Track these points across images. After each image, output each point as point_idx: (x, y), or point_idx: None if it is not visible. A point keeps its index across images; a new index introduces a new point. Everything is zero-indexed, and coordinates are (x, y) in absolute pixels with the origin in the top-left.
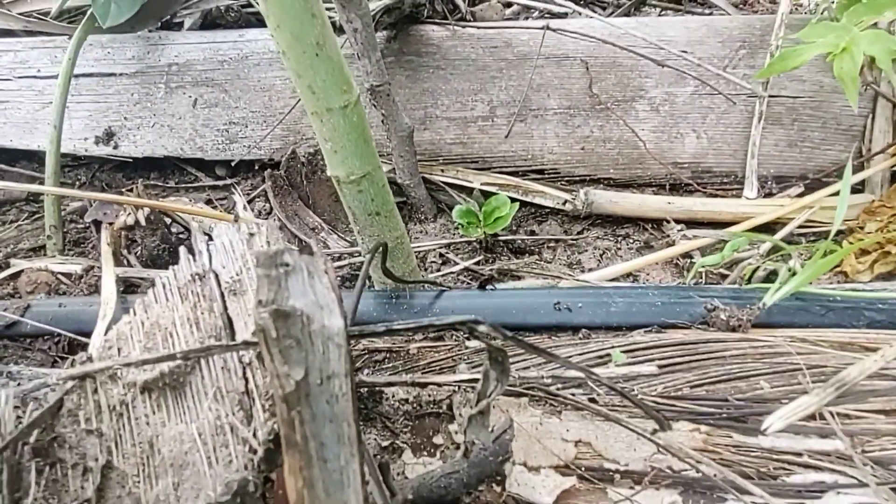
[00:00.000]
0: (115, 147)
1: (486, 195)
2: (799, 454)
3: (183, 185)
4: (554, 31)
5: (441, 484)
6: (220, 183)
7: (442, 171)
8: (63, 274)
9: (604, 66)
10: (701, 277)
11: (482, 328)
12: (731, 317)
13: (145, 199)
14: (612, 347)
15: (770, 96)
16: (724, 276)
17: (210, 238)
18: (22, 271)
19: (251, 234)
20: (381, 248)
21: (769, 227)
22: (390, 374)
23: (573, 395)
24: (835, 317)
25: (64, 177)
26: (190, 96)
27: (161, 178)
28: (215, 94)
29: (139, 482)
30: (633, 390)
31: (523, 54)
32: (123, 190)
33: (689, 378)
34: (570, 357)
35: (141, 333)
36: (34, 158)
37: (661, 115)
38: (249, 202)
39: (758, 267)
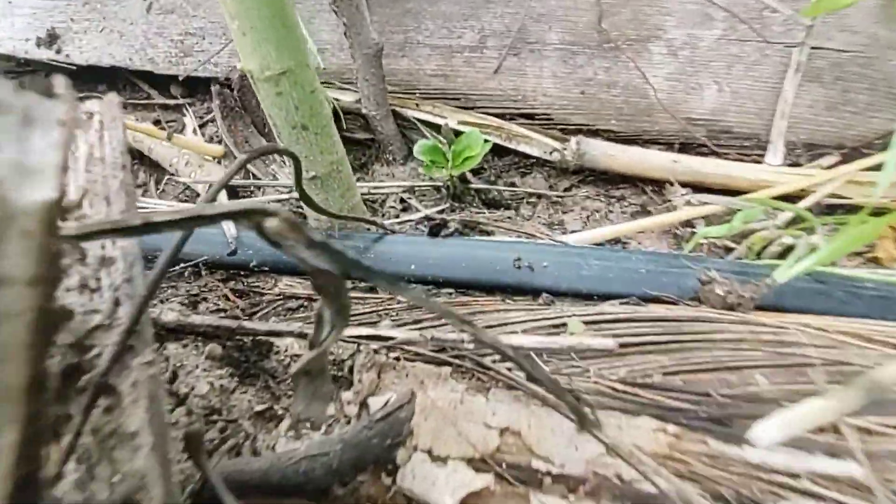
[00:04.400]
0: (58, 51)
1: (460, 135)
2: (796, 475)
3: (132, 102)
4: None
5: (301, 468)
6: (173, 102)
7: (417, 105)
8: None
9: None
10: (702, 251)
11: (272, 222)
12: (730, 292)
13: None
14: (573, 316)
15: (812, 47)
16: (730, 251)
17: None
18: None
19: (90, 115)
20: (262, 153)
21: (791, 200)
22: (297, 324)
23: (509, 369)
24: (863, 306)
25: None
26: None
27: (110, 92)
28: None
29: None
30: (588, 371)
31: None
32: None
33: (664, 363)
34: (523, 323)
35: None
36: None
37: (680, 61)
38: (202, 126)
39: (772, 240)
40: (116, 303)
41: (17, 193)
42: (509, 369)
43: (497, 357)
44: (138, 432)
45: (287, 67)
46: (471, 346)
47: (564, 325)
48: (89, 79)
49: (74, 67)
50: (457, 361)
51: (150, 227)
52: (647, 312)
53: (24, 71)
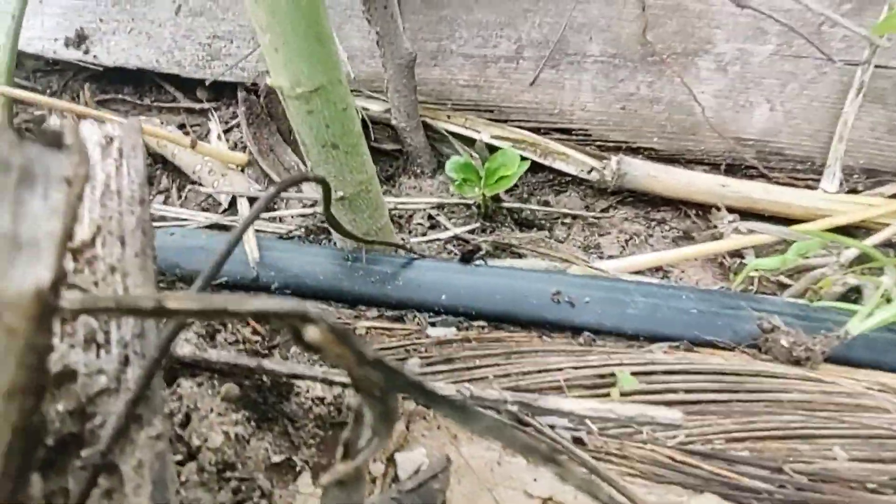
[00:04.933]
0: (86, 52)
1: (493, 150)
2: None
3: (157, 105)
4: None
5: None
6: (198, 106)
7: (448, 117)
8: None
9: (665, 9)
10: (752, 284)
11: (314, 332)
12: (797, 343)
13: (92, 108)
14: (621, 365)
15: (876, 66)
16: (783, 287)
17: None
18: None
19: (109, 140)
20: (293, 183)
21: (849, 231)
22: (320, 368)
23: (553, 427)
24: None
25: (35, 82)
26: (173, 1)
27: (136, 94)
28: (202, 0)
29: None
30: (641, 433)
31: None
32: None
33: (727, 426)
34: (563, 371)
35: None
36: None
37: (729, 77)
38: (227, 132)
39: (835, 280)
40: (125, 362)
41: (3, 277)
42: (552, 427)
43: (537, 411)
44: None
45: (320, 84)
46: (514, 407)
47: (612, 374)
48: (115, 80)
49: (101, 69)
50: (494, 415)
51: (162, 313)
52: (704, 363)
53: (53, 70)
